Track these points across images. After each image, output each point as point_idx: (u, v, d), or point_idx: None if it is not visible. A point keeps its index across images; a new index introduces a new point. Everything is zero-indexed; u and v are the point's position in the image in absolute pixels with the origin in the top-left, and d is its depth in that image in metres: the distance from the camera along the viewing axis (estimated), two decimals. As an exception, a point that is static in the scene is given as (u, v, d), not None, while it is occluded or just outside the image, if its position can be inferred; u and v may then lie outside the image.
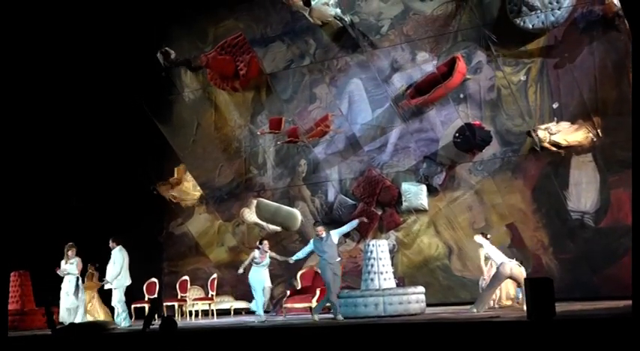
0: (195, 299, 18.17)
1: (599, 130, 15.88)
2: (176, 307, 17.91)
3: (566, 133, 15.96)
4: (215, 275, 18.47)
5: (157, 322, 14.20)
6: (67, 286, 15.74)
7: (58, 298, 15.91)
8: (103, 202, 19.59)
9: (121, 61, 18.78)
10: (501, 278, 13.83)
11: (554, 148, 16.02)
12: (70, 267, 15.73)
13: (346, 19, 17.96)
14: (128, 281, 15.98)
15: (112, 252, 15.93)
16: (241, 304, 19.07)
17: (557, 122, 16.08)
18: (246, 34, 19.36)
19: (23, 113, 18.35)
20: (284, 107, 19.22)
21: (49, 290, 16.31)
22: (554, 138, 15.91)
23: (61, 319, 15.47)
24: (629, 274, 14.80)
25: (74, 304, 15.66)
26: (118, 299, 15.75)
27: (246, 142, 20.09)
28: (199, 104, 20.63)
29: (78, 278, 15.83)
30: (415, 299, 14.60)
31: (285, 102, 19.25)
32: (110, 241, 15.98)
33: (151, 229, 20.58)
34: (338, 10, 17.87)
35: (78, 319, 15.40)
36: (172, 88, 20.60)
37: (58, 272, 15.79)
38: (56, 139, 19.09)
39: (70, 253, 15.81)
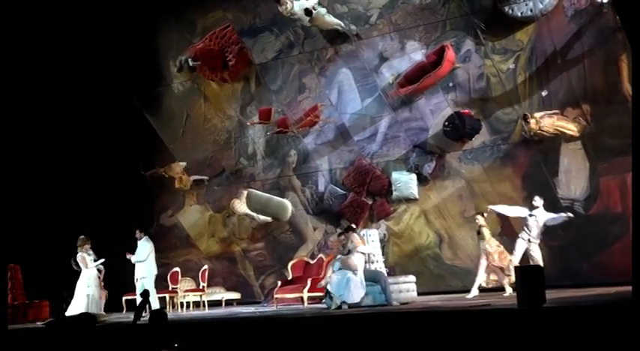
0: (186, 291, 18.15)
1: (588, 118, 15.92)
2: (167, 298, 17.88)
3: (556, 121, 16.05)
4: (206, 266, 18.43)
5: (147, 314, 14.22)
6: (92, 278, 15.73)
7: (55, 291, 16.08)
8: (93, 194, 19.58)
9: (110, 53, 18.74)
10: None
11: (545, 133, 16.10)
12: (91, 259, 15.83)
13: (349, 27, 17.85)
14: (155, 270, 16.24)
15: (139, 242, 16.13)
16: (232, 295, 19.09)
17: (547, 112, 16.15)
18: (234, 24, 19.32)
19: (10, 106, 18.32)
20: (273, 98, 19.18)
21: (40, 283, 16.33)
22: (544, 126, 15.99)
23: (79, 311, 15.43)
24: (618, 261, 14.98)
25: (97, 296, 15.79)
26: (152, 287, 15.87)
27: (235, 133, 20.05)
28: (188, 95, 20.57)
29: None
30: (406, 288, 14.66)
31: (274, 92, 19.21)
32: (137, 232, 16.25)
33: (142, 221, 20.49)
34: (340, 22, 17.83)
35: (96, 311, 15.50)
36: (161, 79, 20.54)
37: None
38: (46, 133, 19.04)
39: (87, 246, 15.83)
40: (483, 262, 14.95)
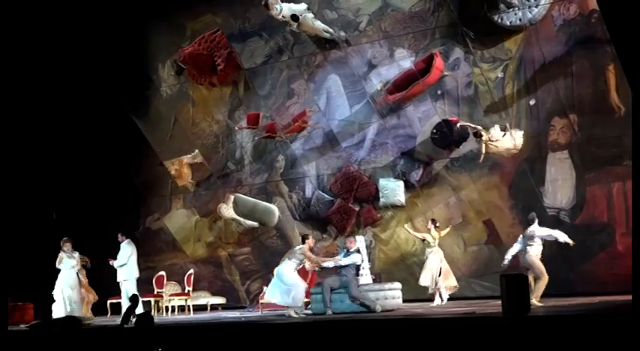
0: (171, 295, 18.12)
1: (575, 127, 15.97)
2: (152, 302, 17.85)
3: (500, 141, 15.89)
4: (192, 271, 18.43)
5: (134, 319, 14.19)
6: (69, 280, 15.74)
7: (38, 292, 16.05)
8: (79, 197, 19.52)
9: (99, 56, 18.71)
10: None
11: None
12: (72, 261, 15.80)
13: (338, 33, 17.84)
14: (137, 273, 16.43)
15: (121, 245, 16.41)
16: (217, 300, 19.07)
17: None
18: (224, 29, 19.30)
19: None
20: (262, 103, 19.18)
21: (24, 285, 16.28)
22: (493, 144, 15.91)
23: (60, 313, 15.39)
24: (604, 270, 15.05)
25: (76, 297, 15.77)
26: (133, 291, 15.90)
27: (223, 137, 20.03)
28: (177, 99, 20.54)
29: (78, 272, 16.04)
30: (391, 295, 14.63)
31: (263, 97, 19.21)
32: (119, 236, 16.55)
33: (128, 224, 20.44)
34: (328, 28, 17.82)
35: (77, 313, 15.43)
36: (150, 83, 20.50)
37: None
38: (33, 135, 18.96)
39: (66, 247, 15.86)
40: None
